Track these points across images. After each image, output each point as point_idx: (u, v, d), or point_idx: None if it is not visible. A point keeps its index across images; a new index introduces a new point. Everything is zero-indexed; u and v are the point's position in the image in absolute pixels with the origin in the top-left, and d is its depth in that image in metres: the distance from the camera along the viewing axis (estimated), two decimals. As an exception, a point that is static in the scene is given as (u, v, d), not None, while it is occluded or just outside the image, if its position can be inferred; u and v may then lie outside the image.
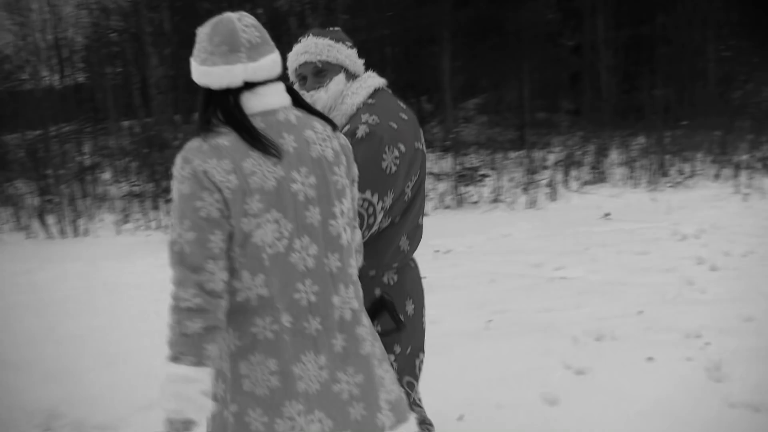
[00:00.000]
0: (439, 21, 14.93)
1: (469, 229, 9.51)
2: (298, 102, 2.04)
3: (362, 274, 2.32)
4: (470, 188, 11.78)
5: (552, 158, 13.24)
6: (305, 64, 2.56)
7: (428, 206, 10.83)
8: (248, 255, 1.84)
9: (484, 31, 16.12)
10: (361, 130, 2.42)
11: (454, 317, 5.42)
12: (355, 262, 2.09)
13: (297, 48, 2.59)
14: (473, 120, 17.49)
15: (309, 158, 1.94)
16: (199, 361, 1.77)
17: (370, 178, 2.37)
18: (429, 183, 11.90)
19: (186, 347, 1.77)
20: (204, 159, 1.80)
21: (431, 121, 16.69)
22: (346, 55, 2.59)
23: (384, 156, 2.41)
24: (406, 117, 2.55)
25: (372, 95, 2.57)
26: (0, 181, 10.60)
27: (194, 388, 1.78)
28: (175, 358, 1.78)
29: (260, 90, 1.92)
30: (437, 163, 13.11)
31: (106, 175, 11.91)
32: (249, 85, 1.91)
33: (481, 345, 4.78)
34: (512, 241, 8.86)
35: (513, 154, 13.39)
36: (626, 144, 13.58)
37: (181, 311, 1.77)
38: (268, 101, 1.94)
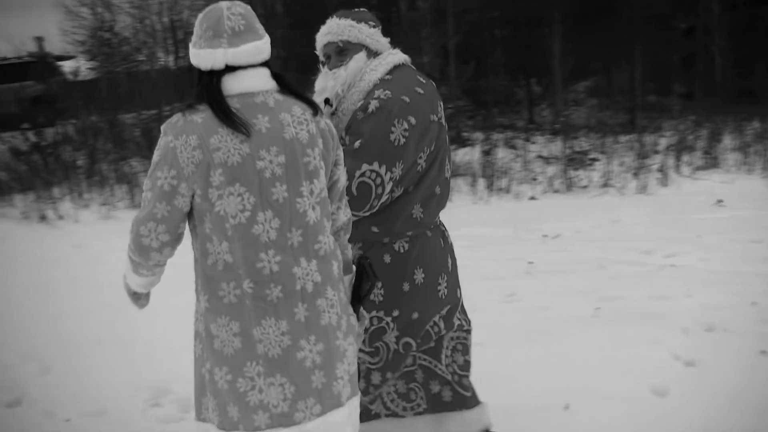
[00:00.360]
0: (549, 2, 14.74)
1: (577, 214, 9.45)
2: (284, 86, 2.19)
3: (375, 241, 2.68)
4: (579, 172, 11.55)
5: (663, 143, 12.78)
6: (328, 44, 2.76)
7: (537, 190, 11.02)
8: (214, 223, 2.07)
9: (595, 13, 15.82)
10: (372, 105, 2.58)
11: (561, 303, 5.37)
12: (327, 239, 2.19)
13: (322, 29, 2.78)
14: (583, 103, 17.13)
15: (281, 139, 2.08)
16: (138, 272, 2.26)
17: (378, 150, 2.54)
18: (537, 166, 12.00)
19: (131, 265, 2.23)
20: (176, 135, 2.04)
21: (541, 104, 16.42)
22: (368, 34, 2.73)
23: (393, 129, 2.55)
24: (422, 91, 2.66)
25: (391, 71, 2.69)
26: (116, 159, 10.89)
27: (137, 282, 2.30)
28: (131, 268, 2.26)
29: (240, 73, 2.10)
30: (546, 146, 12.99)
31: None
32: (230, 68, 2.10)
33: (588, 333, 4.70)
34: (622, 226, 8.72)
35: (623, 138, 13.01)
36: (740, 129, 12.91)
37: (132, 248, 2.17)
38: (247, 84, 2.11)
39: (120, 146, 11.20)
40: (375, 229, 2.71)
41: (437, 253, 2.80)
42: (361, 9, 2.82)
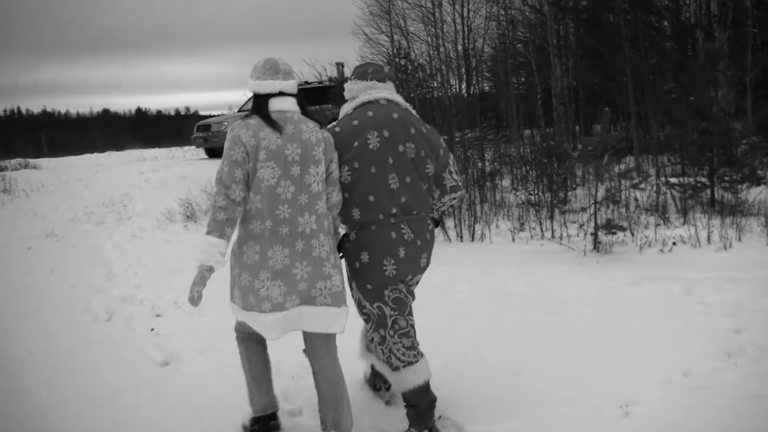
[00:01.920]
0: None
1: None
2: (303, 110, 3.63)
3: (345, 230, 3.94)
4: None
5: None
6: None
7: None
8: (255, 183, 3.40)
9: None
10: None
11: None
12: (324, 203, 3.57)
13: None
14: None
15: (300, 139, 3.48)
16: (220, 236, 3.31)
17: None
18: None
19: (215, 227, 3.32)
20: (239, 130, 3.41)
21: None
22: (347, 87, 4.03)
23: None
24: (356, 123, 3.78)
25: (355, 108, 3.89)
26: None
27: (215, 249, 3.31)
28: (208, 233, 3.32)
29: (282, 98, 3.54)
30: None
31: (505, 183, 10.83)
32: (280, 94, 3.54)
33: None
34: None
35: None
36: None
37: (216, 209, 3.32)
38: (283, 105, 3.53)
39: None
40: (340, 222, 3.85)
41: (383, 242, 3.73)
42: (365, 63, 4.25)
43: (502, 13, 20.41)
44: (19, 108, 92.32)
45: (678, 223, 8.79)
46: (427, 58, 20.46)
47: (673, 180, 10.35)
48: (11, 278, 7.83)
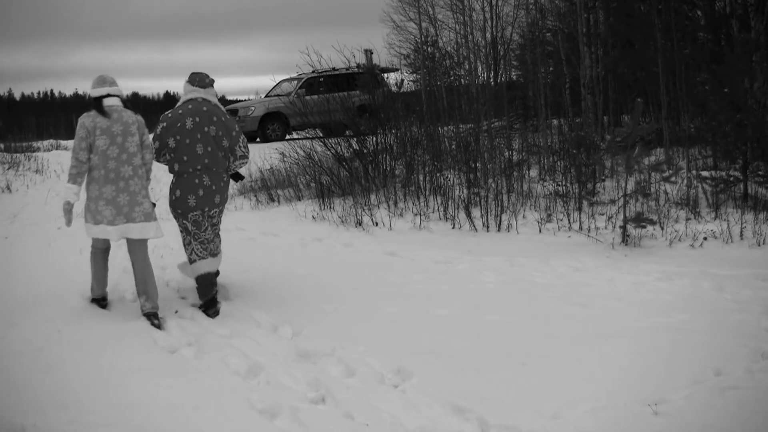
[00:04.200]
0: None
1: None
2: (125, 104, 5.79)
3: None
4: None
5: None
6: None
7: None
8: (94, 149, 5.61)
9: None
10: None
11: None
12: (138, 159, 5.72)
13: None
14: None
15: (121, 121, 5.67)
16: (74, 182, 5.63)
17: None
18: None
19: (70, 178, 5.65)
20: (85, 119, 5.61)
21: None
22: (185, 89, 6.21)
23: (158, 127, 6.09)
24: (181, 111, 6.04)
25: (183, 102, 6.16)
26: (432, 171, 10.88)
27: (71, 191, 5.64)
28: (67, 181, 5.66)
29: (110, 98, 5.68)
30: None
31: (533, 173, 10.68)
32: (108, 95, 5.71)
33: None
34: None
35: None
36: None
37: (71, 167, 5.66)
38: (110, 102, 5.67)
39: (437, 158, 11.60)
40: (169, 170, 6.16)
41: (189, 184, 6.02)
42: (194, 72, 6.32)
43: (532, 1, 20.31)
44: (52, 91, 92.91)
45: (709, 218, 8.65)
46: (455, 46, 20.78)
47: (705, 173, 10.17)
48: (41, 257, 7.91)
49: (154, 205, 5.89)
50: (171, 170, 6.06)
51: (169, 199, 6.17)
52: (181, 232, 6.19)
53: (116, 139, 5.59)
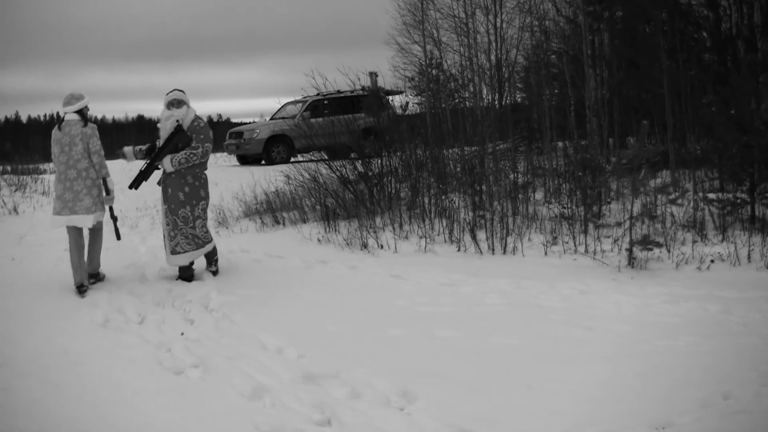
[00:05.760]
0: None
1: None
2: (84, 119, 7.52)
3: None
4: None
5: None
6: (173, 100, 7.79)
7: None
8: (53, 158, 7.52)
9: None
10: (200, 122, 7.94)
11: None
12: (84, 163, 7.36)
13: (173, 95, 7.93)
14: None
15: (70, 134, 7.37)
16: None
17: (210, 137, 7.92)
18: None
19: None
20: (54, 132, 7.49)
21: None
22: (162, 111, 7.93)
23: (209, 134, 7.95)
24: (160, 125, 7.84)
25: (162, 120, 7.81)
26: (437, 193, 10.92)
27: None
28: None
29: (69, 114, 7.44)
30: None
31: (538, 195, 10.73)
32: (66, 113, 7.50)
33: None
34: None
35: None
36: None
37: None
38: (68, 117, 7.43)
39: (442, 181, 11.52)
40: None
41: (175, 185, 7.68)
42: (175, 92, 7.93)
43: (536, 23, 20.52)
44: (58, 113, 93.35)
45: (716, 240, 8.60)
46: (460, 69, 20.82)
47: (712, 195, 10.12)
48: (47, 279, 7.94)
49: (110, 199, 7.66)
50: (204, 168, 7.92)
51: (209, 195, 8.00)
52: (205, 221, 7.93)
53: (64, 148, 7.34)
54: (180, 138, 7.68)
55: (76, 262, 7.33)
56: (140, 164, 7.93)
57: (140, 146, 8.09)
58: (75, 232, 7.43)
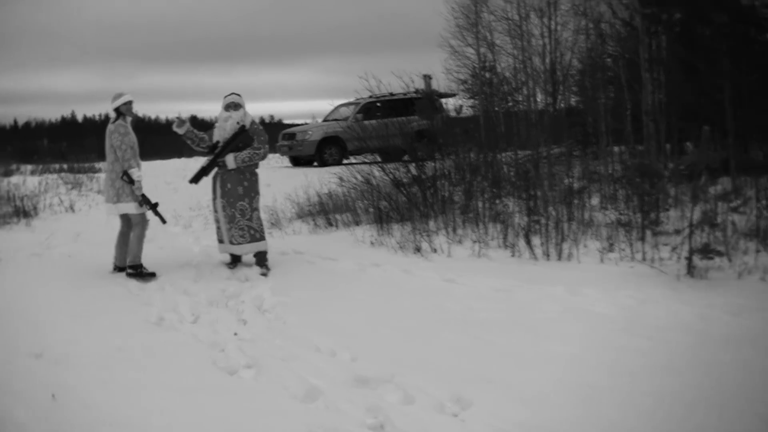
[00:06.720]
0: None
1: None
2: (120, 116, 8.12)
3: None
4: None
5: None
6: (231, 103, 8.55)
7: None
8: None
9: None
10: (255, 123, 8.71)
11: None
12: (112, 160, 8.19)
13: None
14: None
15: (107, 131, 8.18)
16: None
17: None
18: None
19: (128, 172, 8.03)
20: (123, 122, 8.14)
21: None
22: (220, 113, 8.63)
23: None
24: (218, 124, 8.60)
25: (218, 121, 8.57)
26: (491, 198, 10.80)
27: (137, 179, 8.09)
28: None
29: (111, 113, 8.24)
30: None
31: (594, 201, 10.52)
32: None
33: None
34: None
35: None
36: None
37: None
38: (111, 115, 8.30)
39: (495, 185, 11.38)
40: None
41: (234, 180, 8.37)
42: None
43: (591, 26, 20.42)
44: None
45: (781, 250, 8.35)
46: (513, 72, 20.86)
47: (776, 204, 9.85)
48: (103, 276, 8.22)
49: (141, 195, 8.14)
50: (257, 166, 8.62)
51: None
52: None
53: (105, 144, 8.18)
54: (243, 138, 8.38)
55: (120, 250, 8.35)
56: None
57: (199, 133, 8.71)
58: (120, 220, 8.41)
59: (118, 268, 8.36)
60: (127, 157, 8.04)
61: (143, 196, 8.16)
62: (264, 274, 8.20)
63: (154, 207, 8.29)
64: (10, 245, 10.20)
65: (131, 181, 8.05)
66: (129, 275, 8.10)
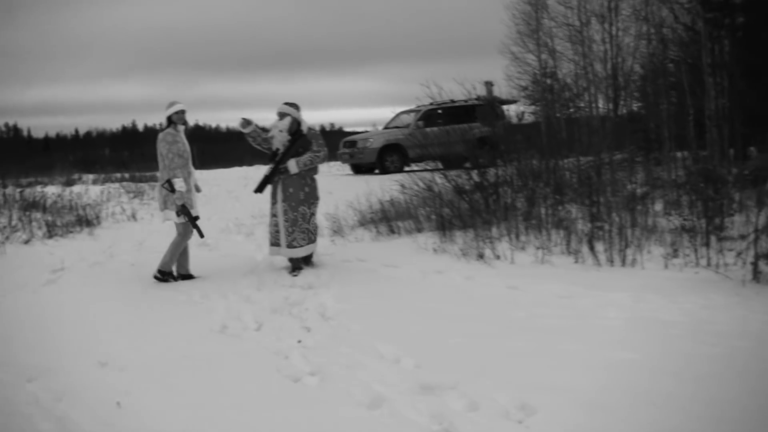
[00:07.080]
0: None
1: None
2: (170, 125, 8.57)
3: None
4: None
5: None
6: (278, 113, 8.94)
7: None
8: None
9: None
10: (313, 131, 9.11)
11: None
12: (162, 166, 8.55)
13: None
14: None
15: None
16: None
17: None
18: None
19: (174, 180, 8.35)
20: (172, 131, 8.49)
21: None
22: (294, 113, 8.92)
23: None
24: (270, 132, 8.97)
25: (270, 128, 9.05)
26: (554, 204, 10.78)
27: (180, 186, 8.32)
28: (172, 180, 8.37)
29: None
30: None
31: (657, 206, 10.48)
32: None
33: None
34: None
35: None
36: None
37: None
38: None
39: (558, 191, 11.28)
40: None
41: (296, 185, 8.76)
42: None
43: (653, 31, 20.09)
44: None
45: None
46: (574, 78, 20.67)
47: None
48: (165, 285, 8.52)
49: (180, 206, 8.31)
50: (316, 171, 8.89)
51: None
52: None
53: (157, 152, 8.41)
54: (302, 143, 8.73)
55: (181, 260, 8.71)
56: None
57: (262, 133, 9.21)
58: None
59: (180, 276, 8.70)
60: (173, 166, 8.31)
61: (183, 206, 8.40)
62: (295, 275, 8.67)
63: (193, 220, 8.54)
64: (73, 254, 10.64)
65: (172, 190, 8.31)
66: (155, 278, 8.54)
